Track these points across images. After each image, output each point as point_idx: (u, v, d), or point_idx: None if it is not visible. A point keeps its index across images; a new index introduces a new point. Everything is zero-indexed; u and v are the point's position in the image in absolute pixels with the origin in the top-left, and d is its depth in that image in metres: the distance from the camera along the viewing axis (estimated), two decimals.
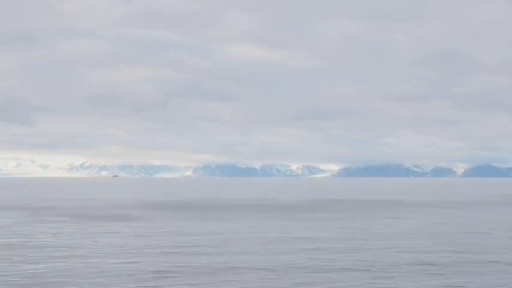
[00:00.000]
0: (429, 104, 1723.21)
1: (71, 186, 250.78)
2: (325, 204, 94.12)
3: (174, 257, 34.30)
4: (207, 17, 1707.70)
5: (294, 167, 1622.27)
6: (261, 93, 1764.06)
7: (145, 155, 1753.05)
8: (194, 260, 33.11)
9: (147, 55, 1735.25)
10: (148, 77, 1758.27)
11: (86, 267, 30.93)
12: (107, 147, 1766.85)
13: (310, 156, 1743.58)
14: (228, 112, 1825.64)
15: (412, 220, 62.85)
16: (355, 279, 27.90)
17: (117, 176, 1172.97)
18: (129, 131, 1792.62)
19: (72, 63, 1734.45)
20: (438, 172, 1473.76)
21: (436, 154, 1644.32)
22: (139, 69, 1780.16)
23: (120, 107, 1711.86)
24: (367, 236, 46.67)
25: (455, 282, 27.52)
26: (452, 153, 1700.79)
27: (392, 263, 32.45)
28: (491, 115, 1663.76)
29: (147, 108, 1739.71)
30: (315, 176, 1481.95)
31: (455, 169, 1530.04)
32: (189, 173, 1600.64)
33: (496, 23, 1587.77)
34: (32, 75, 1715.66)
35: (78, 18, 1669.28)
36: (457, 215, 72.05)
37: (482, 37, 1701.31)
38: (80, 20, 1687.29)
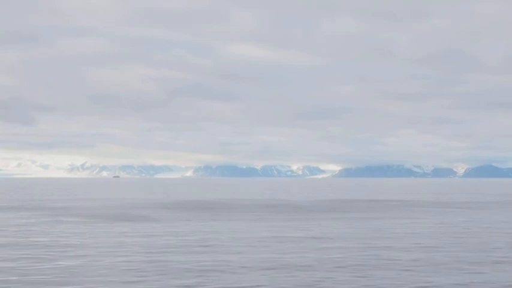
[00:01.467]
0: (430, 103, 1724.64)
1: (75, 186, 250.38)
2: (343, 204, 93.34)
3: (214, 255, 33.60)
4: (209, 16, 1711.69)
5: (294, 167, 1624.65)
6: (263, 92, 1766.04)
7: (146, 155, 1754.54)
8: (235, 258, 32.47)
9: (149, 54, 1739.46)
10: (150, 75, 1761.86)
11: (128, 264, 30.56)
12: (108, 147, 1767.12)
13: (311, 157, 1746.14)
14: (229, 111, 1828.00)
15: (436, 219, 62.14)
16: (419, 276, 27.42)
17: (118, 176, 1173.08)
18: (130, 131, 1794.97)
19: (74, 61, 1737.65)
20: (439, 172, 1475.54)
21: (437, 154, 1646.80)
22: (141, 68, 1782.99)
23: (121, 106, 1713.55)
24: (405, 235, 46.35)
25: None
26: (453, 153, 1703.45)
27: (442, 261, 32.36)
28: (493, 114, 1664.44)
29: (149, 107, 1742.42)
30: (316, 176, 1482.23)
31: (455, 169, 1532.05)
32: (189, 173, 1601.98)
33: (499, 21, 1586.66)
34: (33, 73, 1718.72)
35: (80, 16, 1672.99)
36: (478, 215, 71.35)
37: (486, 35, 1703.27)
38: (82, 19, 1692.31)
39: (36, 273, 28.40)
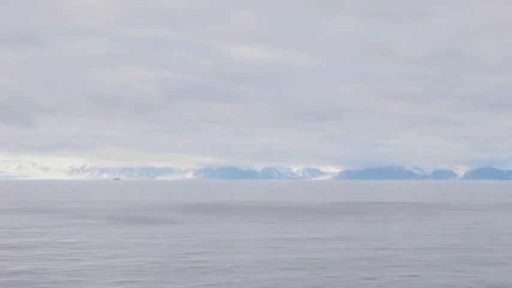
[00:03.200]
0: (430, 104, 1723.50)
1: (79, 188, 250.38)
2: (355, 206, 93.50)
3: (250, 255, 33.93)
4: (209, 16, 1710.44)
5: (294, 169, 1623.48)
6: (263, 93, 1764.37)
7: (146, 157, 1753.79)
8: (278, 255, 32.80)
9: (149, 54, 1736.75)
10: (150, 77, 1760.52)
11: (164, 264, 30.81)
12: (108, 149, 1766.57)
13: (311, 158, 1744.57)
14: (229, 112, 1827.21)
15: (456, 220, 62.40)
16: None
17: (118, 178, 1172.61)
18: (131, 132, 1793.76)
19: (74, 62, 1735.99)
20: (439, 174, 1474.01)
21: (437, 155, 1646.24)
22: (141, 69, 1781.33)
23: (121, 107, 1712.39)
24: (431, 235, 46.88)
25: None
26: (453, 154, 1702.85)
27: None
28: (493, 115, 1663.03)
29: (149, 108, 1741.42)
30: (316, 178, 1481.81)
31: (455, 171, 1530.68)
32: (190, 175, 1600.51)
33: (499, 21, 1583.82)
34: (33, 75, 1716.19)
35: (80, 17, 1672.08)
36: (493, 216, 71.60)
37: (486, 35, 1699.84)
38: (82, 19, 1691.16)
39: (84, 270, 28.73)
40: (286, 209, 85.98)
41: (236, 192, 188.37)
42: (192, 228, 52.92)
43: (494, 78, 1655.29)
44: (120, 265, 31.32)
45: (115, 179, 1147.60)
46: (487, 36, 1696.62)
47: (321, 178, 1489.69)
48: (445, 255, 35.66)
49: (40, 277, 27.90)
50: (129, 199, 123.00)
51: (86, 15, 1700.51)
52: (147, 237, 45.02)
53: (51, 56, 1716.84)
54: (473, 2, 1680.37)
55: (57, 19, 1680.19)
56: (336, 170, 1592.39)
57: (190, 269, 30.28)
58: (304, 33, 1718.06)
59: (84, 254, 35.31)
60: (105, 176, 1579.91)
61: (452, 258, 34.25)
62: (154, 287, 26.03)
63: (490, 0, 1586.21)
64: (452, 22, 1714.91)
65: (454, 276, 28.75)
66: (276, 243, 41.03)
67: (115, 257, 34.06)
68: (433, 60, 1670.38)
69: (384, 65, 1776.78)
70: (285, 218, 66.33)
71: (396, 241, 42.71)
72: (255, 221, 61.45)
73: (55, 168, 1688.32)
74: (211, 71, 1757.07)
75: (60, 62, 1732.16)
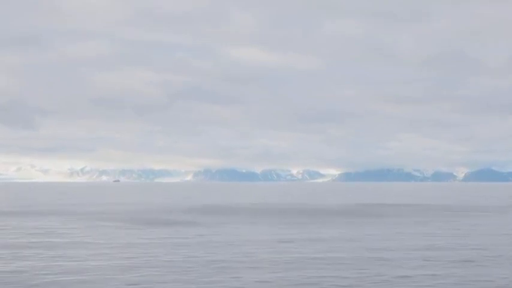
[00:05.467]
0: (431, 106, 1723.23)
1: (84, 190, 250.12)
2: (369, 209, 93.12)
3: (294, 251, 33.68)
4: (210, 18, 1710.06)
5: (294, 171, 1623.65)
6: (263, 94, 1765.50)
7: (145, 159, 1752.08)
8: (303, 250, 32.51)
9: (150, 56, 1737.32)
10: (151, 79, 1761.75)
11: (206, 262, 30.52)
12: (107, 151, 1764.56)
13: (311, 160, 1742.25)
14: (230, 114, 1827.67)
15: (491, 221, 62.13)
16: None
17: (118, 180, 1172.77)
18: (131, 134, 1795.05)
19: (75, 64, 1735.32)
20: (438, 176, 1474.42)
21: (437, 158, 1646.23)
22: (142, 71, 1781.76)
23: (122, 110, 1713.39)
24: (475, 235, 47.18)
25: None
26: (453, 156, 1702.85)
27: None
28: (493, 117, 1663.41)
29: (149, 111, 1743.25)
30: (316, 180, 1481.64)
31: (455, 173, 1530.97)
32: (189, 177, 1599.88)
33: (500, 22, 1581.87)
34: (33, 76, 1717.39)
35: (81, 19, 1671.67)
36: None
37: (487, 36, 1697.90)
38: (82, 21, 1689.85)
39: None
40: (308, 211, 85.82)
41: (244, 194, 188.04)
42: (226, 229, 52.57)
43: (495, 80, 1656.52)
44: (197, 261, 32.31)
45: (115, 181, 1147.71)
46: (488, 38, 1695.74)
47: (320, 180, 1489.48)
48: None
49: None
50: (140, 201, 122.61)
51: (87, 17, 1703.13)
52: (189, 238, 45.31)
53: (52, 58, 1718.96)
54: (473, 3, 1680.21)
55: (58, 21, 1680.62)
56: (335, 172, 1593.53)
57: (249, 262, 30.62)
58: (305, 35, 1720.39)
59: (144, 254, 35.06)
60: (104, 178, 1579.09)
61: None
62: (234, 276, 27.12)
63: (490, 1, 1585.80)
64: (452, 23, 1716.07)
65: None
66: (328, 244, 40.92)
67: (190, 256, 34.55)
68: (433, 62, 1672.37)
69: (384, 66, 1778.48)
70: (313, 219, 65.98)
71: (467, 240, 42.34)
72: (283, 222, 61.05)
73: (54, 170, 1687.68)
74: (212, 72, 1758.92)
75: (61, 64, 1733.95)
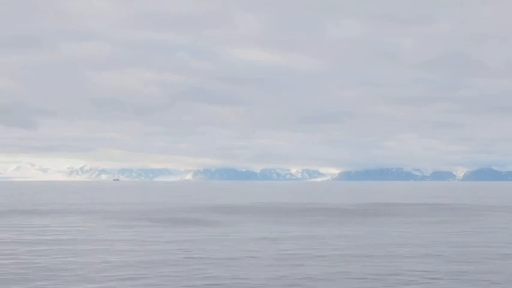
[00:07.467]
0: (432, 107, 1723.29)
1: (88, 189, 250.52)
2: (382, 208, 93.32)
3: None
4: (212, 19, 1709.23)
5: (293, 170, 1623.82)
6: (265, 96, 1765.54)
7: (145, 159, 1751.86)
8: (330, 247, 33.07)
9: (151, 57, 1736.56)
10: (152, 79, 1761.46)
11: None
12: (107, 151, 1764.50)
13: (311, 160, 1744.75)
14: (231, 115, 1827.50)
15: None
16: None
17: (118, 179, 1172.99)
18: (131, 135, 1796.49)
19: (76, 65, 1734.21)
20: (438, 176, 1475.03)
21: (436, 157, 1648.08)
22: (143, 72, 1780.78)
23: (122, 110, 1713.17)
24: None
25: None
26: (453, 156, 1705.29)
27: None
28: (494, 118, 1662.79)
29: (150, 111, 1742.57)
30: (315, 179, 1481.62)
31: (454, 173, 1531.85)
32: (188, 176, 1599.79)
33: (504, 25, 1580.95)
34: (34, 77, 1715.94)
35: (82, 20, 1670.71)
36: None
37: (490, 39, 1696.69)
38: (84, 22, 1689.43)
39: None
40: (317, 210, 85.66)
41: (249, 193, 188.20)
42: (249, 227, 52.96)
43: (497, 81, 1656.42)
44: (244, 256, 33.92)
45: (114, 179, 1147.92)
46: (491, 40, 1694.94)
47: (319, 179, 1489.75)
48: None
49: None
50: (151, 200, 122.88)
51: (88, 18, 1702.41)
52: (218, 236, 45.60)
53: (53, 59, 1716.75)
54: (477, 6, 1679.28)
55: (58, 21, 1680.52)
56: (335, 171, 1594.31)
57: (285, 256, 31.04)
58: (308, 37, 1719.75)
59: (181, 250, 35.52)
60: (103, 177, 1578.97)
61: None
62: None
63: (494, 4, 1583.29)
64: (456, 26, 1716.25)
65: None
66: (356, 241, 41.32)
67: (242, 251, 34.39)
68: (435, 64, 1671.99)
69: (387, 68, 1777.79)
70: (336, 218, 66.30)
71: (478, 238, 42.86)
72: (309, 222, 61.41)
73: (54, 169, 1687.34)
74: (213, 73, 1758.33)
75: (62, 65, 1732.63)
